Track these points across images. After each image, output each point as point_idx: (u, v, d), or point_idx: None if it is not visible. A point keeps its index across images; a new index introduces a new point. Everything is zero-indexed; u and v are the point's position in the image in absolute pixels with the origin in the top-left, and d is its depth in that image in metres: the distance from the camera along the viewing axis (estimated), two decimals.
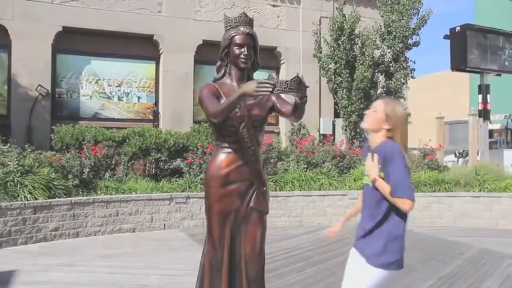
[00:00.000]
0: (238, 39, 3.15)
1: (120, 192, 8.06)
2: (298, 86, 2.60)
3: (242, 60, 3.16)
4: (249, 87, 2.64)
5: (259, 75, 3.48)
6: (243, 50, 3.15)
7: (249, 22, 3.24)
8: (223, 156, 3.15)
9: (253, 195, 3.15)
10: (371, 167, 2.53)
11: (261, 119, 3.17)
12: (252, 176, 3.15)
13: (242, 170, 3.11)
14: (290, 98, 2.88)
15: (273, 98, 3.15)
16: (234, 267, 3.12)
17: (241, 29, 3.17)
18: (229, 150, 3.15)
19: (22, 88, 10.15)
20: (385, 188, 2.49)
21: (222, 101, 3.02)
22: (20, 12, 10.22)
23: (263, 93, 2.63)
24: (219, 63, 3.28)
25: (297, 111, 2.91)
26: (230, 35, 3.18)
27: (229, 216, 3.12)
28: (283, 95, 2.92)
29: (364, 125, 2.66)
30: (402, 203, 2.46)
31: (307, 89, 2.70)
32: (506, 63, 13.27)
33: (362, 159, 2.75)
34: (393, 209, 2.53)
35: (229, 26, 3.24)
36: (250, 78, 3.29)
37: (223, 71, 3.26)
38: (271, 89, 2.57)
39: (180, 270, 5.57)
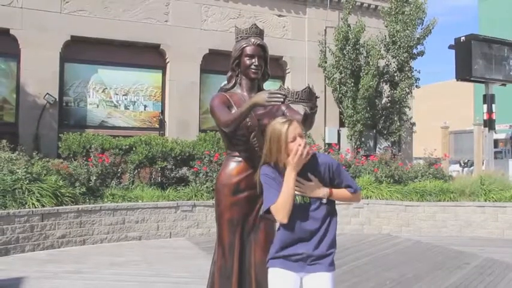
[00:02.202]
0: (249, 50, 3.21)
1: (126, 200, 8.11)
2: (308, 96, 2.65)
3: (253, 70, 3.22)
4: (261, 97, 2.69)
5: (269, 85, 3.53)
6: (253, 60, 3.21)
7: (260, 33, 3.30)
8: (233, 165, 3.20)
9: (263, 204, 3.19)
10: (314, 186, 2.49)
11: None
12: None
13: (252, 179, 3.14)
14: (300, 108, 2.93)
15: (283, 107, 3.20)
16: (244, 275, 3.15)
17: (252, 40, 3.23)
18: (240, 159, 3.20)
19: (30, 96, 10.25)
20: (342, 192, 2.55)
21: (233, 111, 3.07)
22: (29, 22, 10.35)
23: (274, 104, 2.67)
24: (229, 73, 3.33)
25: (307, 121, 2.95)
26: (241, 45, 3.24)
27: (239, 224, 3.16)
28: (293, 105, 2.96)
29: (308, 157, 2.49)
30: (359, 196, 2.66)
31: (317, 99, 2.75)
32: (511, 73, 13.29)
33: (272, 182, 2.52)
34: (334, 215, 2.58)
35: (240, 37, 3.29)
36: (260, 88, 3.35)
37: (234, 81, 3.31)
38: (282, 100, 2.61)
39: (186, 278, 5.59)
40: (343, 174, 2.59)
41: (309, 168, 2.52)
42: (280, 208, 2.42)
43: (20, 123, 10.26)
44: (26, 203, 6.98)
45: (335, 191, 2.53)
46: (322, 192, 2.50)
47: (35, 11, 10.44)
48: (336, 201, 2.59)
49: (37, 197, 7.07)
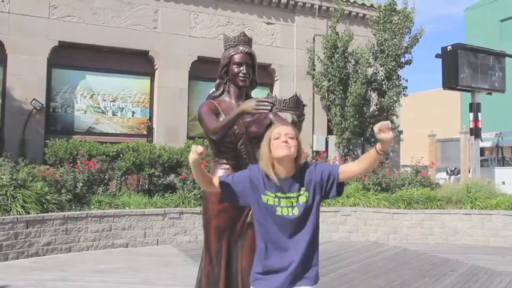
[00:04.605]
0: (237, 58, 3.23)
1: (113, 207, 8.05)
2: (296, 104, 2.67)
3: (241, 78, 3.24)
4: (248, 105, 2.70)
5: (257, 92, 3.54)
6: (241, 68, 3.22)
7: (248, 41, 3.32)
8: (221, 172, 3.20)
9: (250, 211, 3.19)
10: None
11: (259, 136, 3.20)
12: None
13: None
14: (287, 116, 2.94)
15: (271, 115, 3.21)
16: (231, 282, 3.15)
17: (240, 48, 3.25)
18: (227, 166, 3.20)
19: (17, 102, 10.15)
20: (369, 153, 2.39)
21: (221, 118, 3.07)
22: (16, 27, 10.26)
23: (262, 112, 2.68)
24: (218, 81, 3.34)
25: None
26: (229, 53, 3.25)
27: (226, 232, 3.16)
28: (280, 113, 2.97)
29: (290, 152, 2.40)
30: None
31: (305, 107, 2.76)
32: (496, 82, 13.46)
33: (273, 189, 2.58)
34: (317, 229, 2.47)
35: (229, 45, 3.31)
36: (248, 96, 3.36)
37: (222, 89, 3.32)
38: (270, 107, 2.62)
39: (173, 286, 5.57)
40: (331, 166, 2.51)
41: (300, 176, 2.46)
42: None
43: (6, 128, 10.13)
44: (10, 210, 6.90)
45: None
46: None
47: (23, 16, 10.35)
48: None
49: (22, 203, 6.99)
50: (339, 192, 2.49)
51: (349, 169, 2.45)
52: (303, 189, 2.44)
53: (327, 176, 2.44)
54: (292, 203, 2.42)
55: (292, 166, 2.44)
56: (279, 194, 2.43)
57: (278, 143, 2.40)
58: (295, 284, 2.42)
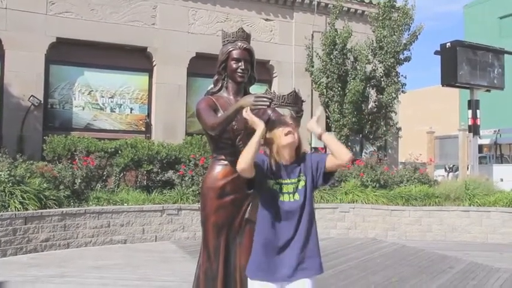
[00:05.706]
0: (235, 53, 3.22)
1: (111, 204, 8.04)
2: (294, 100, 2.66)
3: (239, 74, 3.23)
4: (247, 100, 2.70)
5: (255, 89, 3.54)
6: (240, 64, 3.21)
7: (246, 37, 3.31)
8: (219, 168, 3.20)
9: (248, 207, 3.19)
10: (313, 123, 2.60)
11: None
12: None
13: (238, 182, 3.14)
14: (286, 112, 2.94)
15: (269, 111, 3.20)
16: (229, 278, 3.15)
17: (239, 44, 3.24)
18: (226, 162, 3.20)
19: (14, 98, 10.13)
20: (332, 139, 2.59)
21: (220, 114, 3.07)
22: (14, 23, 10.23)
23: (260, 107, 2.68)
24: (216, 77, 3.33)
25: None
26: (228, 49, 3.24)
27: (224, 228, 3.16)
28: (279, 109, 2.97)
29: (294, 139, 2.58)
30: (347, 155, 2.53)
31: (303, 103, 2.76)
32: (495, 80, 13.47)
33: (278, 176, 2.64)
34: (314, 217, 2.59)
35: (227, 40, 3.30)
36: (246, 91, 3.35)
37: (220, 85, 3.31)
38: (268, 103, 2.62)
39: (172, 282, 5.56)
40: (322, 155, 2.66)
41: (299, 163, 2.58)
42: (241, 155, 2.48)
43: (4, 125, 10.12)
44: (8, 206, 6.88)
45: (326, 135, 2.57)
46: (318, 129, 2.56)
47: (20, 12, 10.32)
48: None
49: (20, 200, 6.97)
50: (326, 180, 2.62)
51: (330, 158, 2.58)
52: (302, 175, 2.57)
53: (316, 163, 2.59)
54: (293, 188, 2.54)
55: (294, 154, 2.58)
56: (280, 181, 2.55)
57: (283, 132, 2.54)
58: (297, 275, 2.47)
